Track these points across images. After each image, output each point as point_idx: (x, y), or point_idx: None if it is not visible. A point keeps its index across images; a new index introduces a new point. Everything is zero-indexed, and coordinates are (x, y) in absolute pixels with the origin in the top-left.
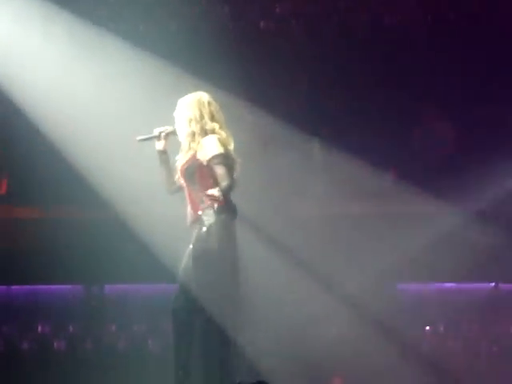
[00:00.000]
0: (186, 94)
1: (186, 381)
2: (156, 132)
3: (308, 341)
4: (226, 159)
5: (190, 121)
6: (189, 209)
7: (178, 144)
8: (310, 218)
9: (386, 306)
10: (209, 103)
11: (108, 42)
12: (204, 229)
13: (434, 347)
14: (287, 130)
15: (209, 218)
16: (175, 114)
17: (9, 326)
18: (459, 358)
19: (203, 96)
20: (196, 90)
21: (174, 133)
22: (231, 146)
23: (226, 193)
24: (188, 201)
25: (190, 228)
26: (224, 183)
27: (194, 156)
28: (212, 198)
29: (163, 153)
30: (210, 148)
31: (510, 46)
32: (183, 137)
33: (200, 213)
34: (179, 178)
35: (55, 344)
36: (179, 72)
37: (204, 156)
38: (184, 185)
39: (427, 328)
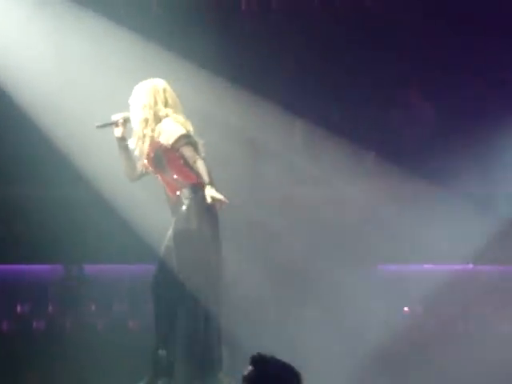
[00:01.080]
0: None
1: (164, 358)
2: (114, 118)
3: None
4: (189, 138)
5: (144, 107)
6: (166, 192)
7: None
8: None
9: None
10: (164, 90)
11: (92, 23)
12: (184, 207)
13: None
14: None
15: (187, 197)
16: (130, 100)
17: None
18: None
19: (159, 83)
20: (177, 70)
21: (128, 119)
22: (190, 128)
23: (208, 170)
24: (164, 185)
25: (171, 210)
26: (197, 164)
27: (155, 142)
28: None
29: (122, 140)
30: (171, 131)
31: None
32: (136, 123)
33: (178, 193)
34: (146, 167)
35: (34, 323)
36: (158, 51)
37: (167, 140)
38: (154, 172)
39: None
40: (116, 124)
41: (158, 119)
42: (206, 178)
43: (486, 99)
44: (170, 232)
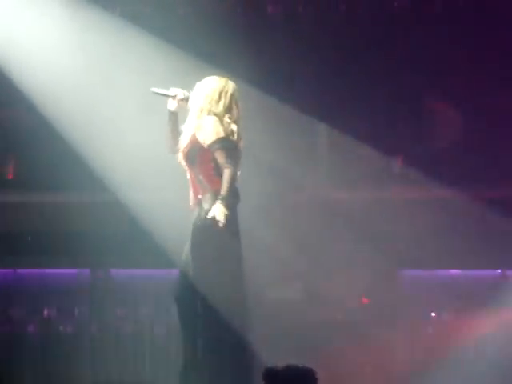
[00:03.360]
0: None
1: (194, 369)
2: (172, 92)
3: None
4: (227, 143)
5: (206, 97)
6: (191, 192)
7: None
8: (312, 203)
9: (386, 293)
10: (232, 95)
11: (112, 24)
12: (203, 213)
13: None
14: (294, 115)
15: (208, 202)
16: (198, 84)
17: (15, 309)
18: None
19: (231, 85)
20: (202, 75)
21: (186, 100)
22: (234, 137)
23: (231, 182)
24: (190, 184)
25: (192, 211)
26: (225, 172)
27: (194, 138)
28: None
29: (173, 114)
30: (209, 131)
31: None
32: (192, 109)
33: (200, 197)
34: (180, 160)
35: (61, 327)
36: (182, 56)
37: (204, 140)
38: (186, 167)
39: (432, 314)
40: (173, 97)
41: (210, 114)
42: (224, 190)
43: None
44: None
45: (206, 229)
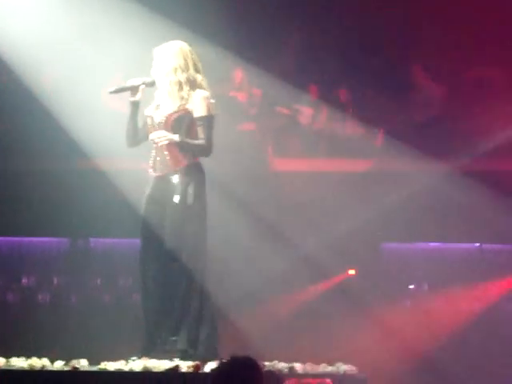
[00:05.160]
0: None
1: (157, 330)
2: (134, 83)
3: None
4: (212, 122)
5: (176, 70)
6: (164, 159)
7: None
8: (295, 175)
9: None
10: (190, 52)
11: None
12: (187, 183)
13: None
14: (278, 87)
15: (193, 172)
16: (155, 62)
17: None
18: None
19: (184, 45)
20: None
21: (151, 84)
22: (213, 100)
23: (197, 149)
24: (165, 151)
25: (159, 179)
26: (202, 143)
27: (183, 108)
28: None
29: (135, 104)
30: (204, 105)
31: None
32: (168, 86)
33: (182, 166)
34: (155, 127)
35: (39, 296)
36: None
37: (196, 111)
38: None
39: (411, 287)
40: (135, 89)
41: (190, 84)
42: (189, 141)
43: None
44: (153, 204)
45: (187, 206)
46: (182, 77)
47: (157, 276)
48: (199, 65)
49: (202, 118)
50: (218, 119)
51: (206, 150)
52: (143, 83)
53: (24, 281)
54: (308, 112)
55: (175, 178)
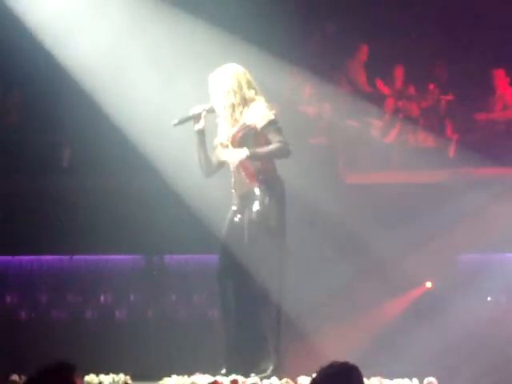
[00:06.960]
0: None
1: (237, 346)
2: (196, 111)
3: None
4: (276, 124)
5: (228, 92)
6: (241, 177)
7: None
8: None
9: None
10: (244, 72)
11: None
12: (262, 197)
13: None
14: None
15: (267, 186)
16: (211, 89)
17: (72, 295)
18: None
19: (237, 66)
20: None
21: (211, 110)
22: (274, 111)
23: (273, 153)
24: (240, 169)
25: (240, 197)
26: (277, 144)
27: (244, 125)
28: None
29: (201, 133)
30: (261, 114)
31: None
32: (222, 110)
33: (256, 180)
34: (224, 148)
35: (117, 313)
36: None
37: (256, 123)
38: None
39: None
40: (198, 117)
41: (244, 103)
42: (261, 150)
43: None
44: (235, 217)
45: (265, 225)
46: (236, 98)
47: (235, 293)
48: (254, 84)
49: (265, 126)
50: (287, 133)
51: (283, 149)
52: (204, 110)
53: (101, 298)
54: (379, 124)
55: (254, 194)
